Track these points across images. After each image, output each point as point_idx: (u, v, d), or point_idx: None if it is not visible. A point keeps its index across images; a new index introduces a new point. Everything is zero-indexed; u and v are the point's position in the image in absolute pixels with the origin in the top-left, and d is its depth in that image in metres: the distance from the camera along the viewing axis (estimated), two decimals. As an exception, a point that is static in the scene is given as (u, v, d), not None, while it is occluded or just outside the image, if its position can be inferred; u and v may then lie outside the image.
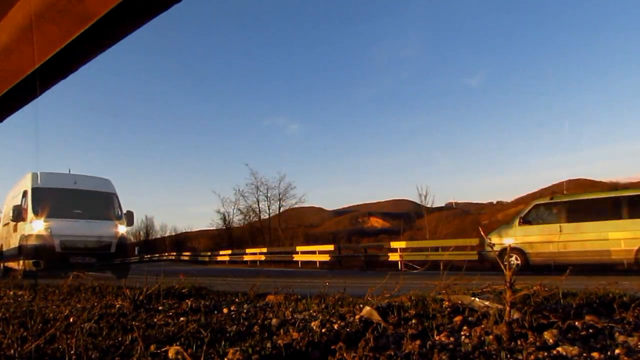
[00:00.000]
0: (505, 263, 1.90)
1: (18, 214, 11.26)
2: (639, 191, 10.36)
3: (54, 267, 10.47)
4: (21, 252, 10.92)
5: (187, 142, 59.66)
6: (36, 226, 10.71)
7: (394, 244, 14.83)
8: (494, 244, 11.52)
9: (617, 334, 1.69)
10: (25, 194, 11.73)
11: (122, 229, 11.73)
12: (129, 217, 12.02)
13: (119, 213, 12.19)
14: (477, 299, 2.27)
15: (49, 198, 11.32)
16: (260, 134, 59.67)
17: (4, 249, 13.54)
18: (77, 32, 0.99)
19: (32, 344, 1.78)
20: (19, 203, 11.79)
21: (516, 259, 11.26)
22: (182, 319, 2.60)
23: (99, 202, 12.21)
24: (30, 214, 10.99)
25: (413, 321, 2.10)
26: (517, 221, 11.49)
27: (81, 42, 1.03)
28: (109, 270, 11.28)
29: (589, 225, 10.49)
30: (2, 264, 13.84)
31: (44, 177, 11.72)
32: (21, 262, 10.99)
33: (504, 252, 11.06)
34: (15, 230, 12.02)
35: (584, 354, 1.50)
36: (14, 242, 11.91)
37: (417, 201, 26.60)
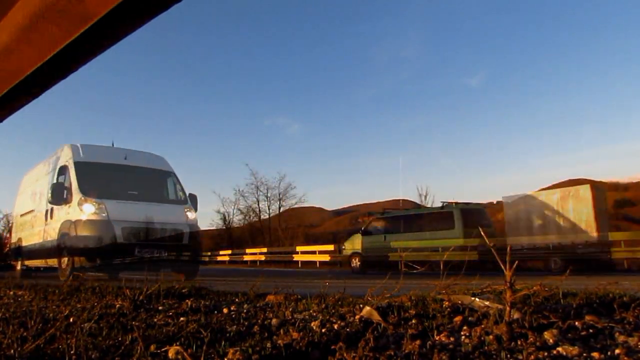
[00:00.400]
0: (505, 262, 1.90)
1: (58, 195, 8.39)
2: (429, 210, 14.30)
3: (113, 263, 8.03)
4: (64, 244, 8.27)
5: (187, 142, 59.63)
6: (87, 209, 8.03)
7: (394, 244, 14.84)
8: (343, 248, 15.52)
9: (617, 334, 1.69)
10: (64, 170, 8.98)
11: (192, 215, 9.26)
12: (193, 202, 9.53)
13: (183, 196, 9.57)
14: (477, 299, 2.27)
15: (96, 175, 8.74)
16: (260, 134, 59.65)
17: (24, 243, 10.72)
18: (77, 32, 0.99)
19: (32, 344, 1.78)
20: (54, 182, 8.96)
21: (357, 261, 14.59)
22: (182, 319, 2.60)
23: (157, 181, 9.65)
24: (77, 194, 8.22)
25: (413, 321, 2.09)
26: (360, 232, 14.92)
27: (81, 42, 1.03)
28: (176, 268, 8.65)
29: (400, 235, 13.83)
30: (20, 263, 11.15)
31: (86, 150, 9.09)
32: (65, 258, 8.26)
33: (352, 255, 15.08)
34: (49, 217, 9.15)
35: (584, 354, 1.49)
36: (48, 233, 9.10)
37: (417, 201, 26.62)
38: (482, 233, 2.78)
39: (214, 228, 35.84)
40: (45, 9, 0.93)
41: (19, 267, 11.28)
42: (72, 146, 9.09)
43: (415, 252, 12.48)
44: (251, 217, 33.18)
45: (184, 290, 3.85)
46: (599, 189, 12.25)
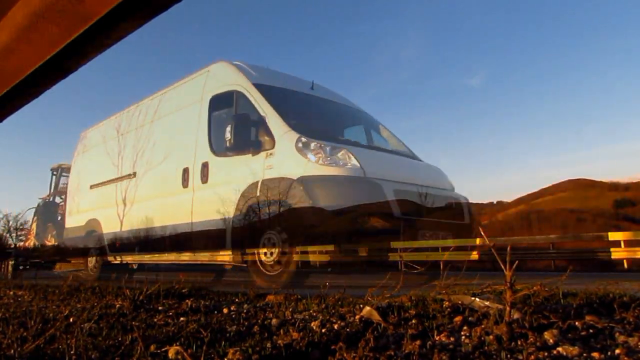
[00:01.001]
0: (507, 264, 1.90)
1: (242, 137, 4.92)
2: None
3: (382, 255, 4.80)
4: (269, 223, 5.14)
5: (187, 142, 59.72)
6: (317, 157, 4.64)
7: (394, 244, 14.89)
8: None
9: (617, 334, 1.69)
10: (226, 99, 5.40)
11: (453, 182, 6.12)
12: None
13: (408, 151, 6.30)
14: (477, 299, 2.27)
15: (293, 109, 5.41)
16: (260, 134, 59.78)
17: (112, 228, 7.10)
18: (77, 32, 0.99)
19: (32, 344, 1.78)
20: (201, 120, 5.55)
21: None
22: (182, 319, 2.60)
23: (363, 126, 6.40)
24: (285, 132, 4.76)
25: (413, 321, 2.09)
26: None
27: (81, 42, 1.03)
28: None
29: None
30: (97, 258, 7.65)
31: (257, 70, 5.69)
32: (272, 250, 5.22)
33: None
34: (201, 178, 5.52)
35: (584, 354, 1.49)
36: (202, 208, 5.53)
37: (417, 201, 26.58)
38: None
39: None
40: (45, 9, 0.93)
41: (91, 265, 7.84)
42: (236, 64, 5.59)
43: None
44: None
45: (183, 290, 3.85)
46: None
